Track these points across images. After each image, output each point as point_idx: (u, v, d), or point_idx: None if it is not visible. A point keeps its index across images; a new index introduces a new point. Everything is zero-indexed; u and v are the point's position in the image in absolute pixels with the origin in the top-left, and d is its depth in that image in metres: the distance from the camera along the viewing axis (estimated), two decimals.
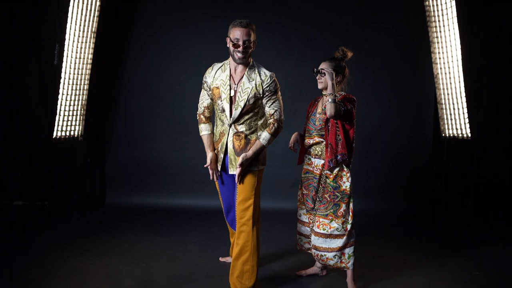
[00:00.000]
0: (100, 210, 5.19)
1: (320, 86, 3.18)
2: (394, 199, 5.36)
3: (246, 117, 2.95)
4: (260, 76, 2.93)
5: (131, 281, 3.17)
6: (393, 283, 3.23)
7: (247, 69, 2.94)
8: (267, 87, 2.92)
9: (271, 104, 2.95)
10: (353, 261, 3.11)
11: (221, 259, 3.65)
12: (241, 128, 2.96)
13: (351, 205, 3.10)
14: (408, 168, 5.41)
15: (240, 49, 2.84)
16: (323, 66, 3.13)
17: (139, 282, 3.16)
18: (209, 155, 3.05)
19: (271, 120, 2.96)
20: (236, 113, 2.93)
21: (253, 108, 2.95)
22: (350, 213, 3.10)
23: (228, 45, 2.91)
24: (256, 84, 2.91)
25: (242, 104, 2.91)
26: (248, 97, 2.90)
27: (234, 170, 2.98)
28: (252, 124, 2.98)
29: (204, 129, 3.12)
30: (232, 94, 2.94)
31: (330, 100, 2.94)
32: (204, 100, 3.12)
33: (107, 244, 3.97)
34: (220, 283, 3.17)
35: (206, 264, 3.55)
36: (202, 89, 3.11)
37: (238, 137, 2.96)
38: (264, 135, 2.94)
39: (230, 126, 2.97)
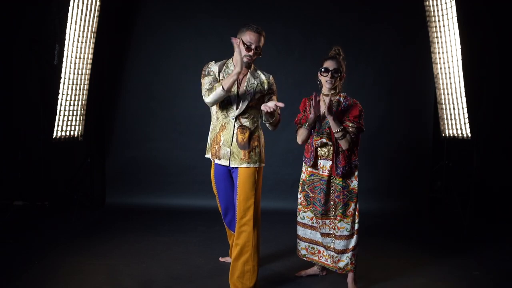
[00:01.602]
0: (100, 210, 5.19)
1: (329, 86, 3.12)
2: (394, 199, 5.36)
3: (251, 111, 3.02)
4: (264, 75, 3.10)
5: (131, 281, 3.17)
6: (393, 283, 3.23)
7: (250, 69, 3.06)
8: (271, 86, 3.10)
9: (273, 99, 3.08)
10: (356, 263, 3.12)
11: (221, 259, 3.65)
12: (246, 122, 3.00)
13: (357, 204, 3.10)
14: (408, 168, 5.41)
15: (252, 53, 2.94)
16: (331, 65, 3.09)
17: (139, 282, 3.16)
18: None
19: None
20: (243, 105, 2.99)
21: (257, 104, 3.03)
22: (357, 213, 3.09)
23: (235, 44, 2.86)
24: (261, 81, 3.06)
25: (249, 97, 2.99)
26: (255, 91, 3.01)
27: (236, 163, 2.98)
28: (255, 120, 3.05)
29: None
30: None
31: (340, 136, 2.98)
32: (211, 81, 2.95)
33: (107, 244, 3.97)
34: (220, 283, 3.17)
35: (206, 264, 3.54)
36: (205, 77, 2.99)
37: (242, 131, 2.99)
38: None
39: (236, 119, 2.99)
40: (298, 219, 3.32)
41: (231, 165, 3.01)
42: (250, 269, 2.96)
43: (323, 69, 3.11)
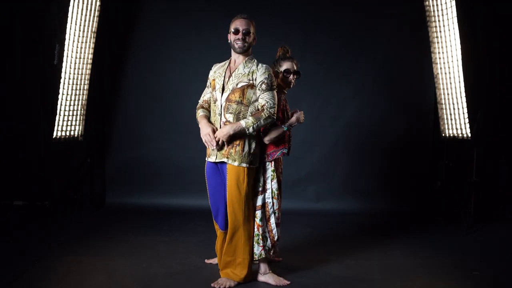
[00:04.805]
0: (100, 210, 5.19)
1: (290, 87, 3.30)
2: (394, 199, 5.35)
3: (234, 106, 2.96)
4: (256, 65, 3.00)
5: (131, 281, 3.16)
6: (393, 283, 3.23)
7: (246, 59, 3.02)
8: (260, 76, 2.95)
9: (263, 95, 2.96)
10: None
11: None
12: (229, 117, 2.97)
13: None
14: (408, 168, 5.41)
15: (239, 35, 2.95)
16: (292, 66, 3.21)
17: (139, 282, 3.16)
18: (203, 122, 3.08)
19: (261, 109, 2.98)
20: (224, 96, 2.98)
21: (241, 96, 2.96)
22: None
23: (229, 40, 3.03)
24: (251, 71, 2.97)
25: (231, 87, 2.97)
26: (238, 80, 2.96)
27: (221, 158, 3.00)
28: (240, 116, 2.97)
29: (201, 112, 3.18)
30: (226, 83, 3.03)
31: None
32: (205, 94, 3.26)
33: (107, 244, 3.97)
34: None
35: (206, 264, 3.54)
36: (206, 88, 3.25)
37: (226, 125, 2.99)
38: (247, 118, 2.94)
39: (220, 115, 3.00)
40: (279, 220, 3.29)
41: (216, 160, 3.02)
42: (241, 262, 3.10)
43: (285, 71, 3.20)
